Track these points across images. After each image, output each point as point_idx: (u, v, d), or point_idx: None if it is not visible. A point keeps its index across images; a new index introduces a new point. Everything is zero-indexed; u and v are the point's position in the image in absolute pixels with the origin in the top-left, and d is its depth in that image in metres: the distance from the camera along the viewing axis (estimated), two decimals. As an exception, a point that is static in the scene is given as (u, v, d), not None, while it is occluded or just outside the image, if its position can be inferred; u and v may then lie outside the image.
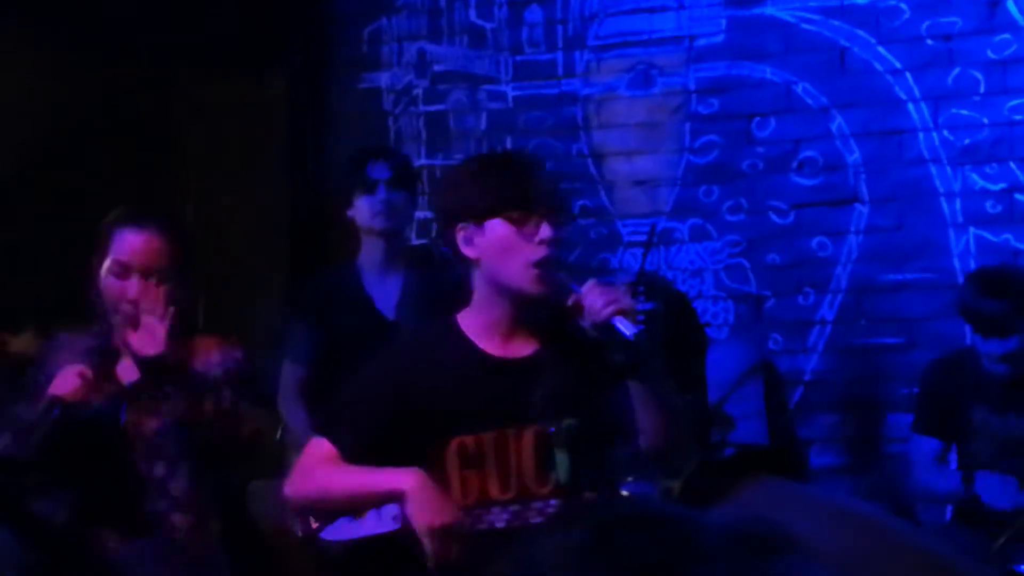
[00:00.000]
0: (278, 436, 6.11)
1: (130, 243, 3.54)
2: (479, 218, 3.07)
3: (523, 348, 3.13)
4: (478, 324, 3.15)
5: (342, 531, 4.29)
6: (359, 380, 3.29)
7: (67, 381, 3.47)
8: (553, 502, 3.04)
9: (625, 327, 3.00)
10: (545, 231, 3.06)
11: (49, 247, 5.58)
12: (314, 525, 4.36)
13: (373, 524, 4.28)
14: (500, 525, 3.07)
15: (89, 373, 3.49)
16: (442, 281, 4.76)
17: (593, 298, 3.04)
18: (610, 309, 3.01)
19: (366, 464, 3.17)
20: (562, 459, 3.03)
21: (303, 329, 4.56)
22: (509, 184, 3.11)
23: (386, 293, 4.47)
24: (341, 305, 4.40)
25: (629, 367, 3.06)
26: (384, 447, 3.15)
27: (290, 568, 4.44)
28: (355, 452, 3.18)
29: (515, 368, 3.09)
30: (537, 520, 3.06)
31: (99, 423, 3.57)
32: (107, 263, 3.54)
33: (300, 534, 4.39)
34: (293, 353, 4.59)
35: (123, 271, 3.53)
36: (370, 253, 4.54)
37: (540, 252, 3.06)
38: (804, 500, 2.17)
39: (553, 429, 3.03)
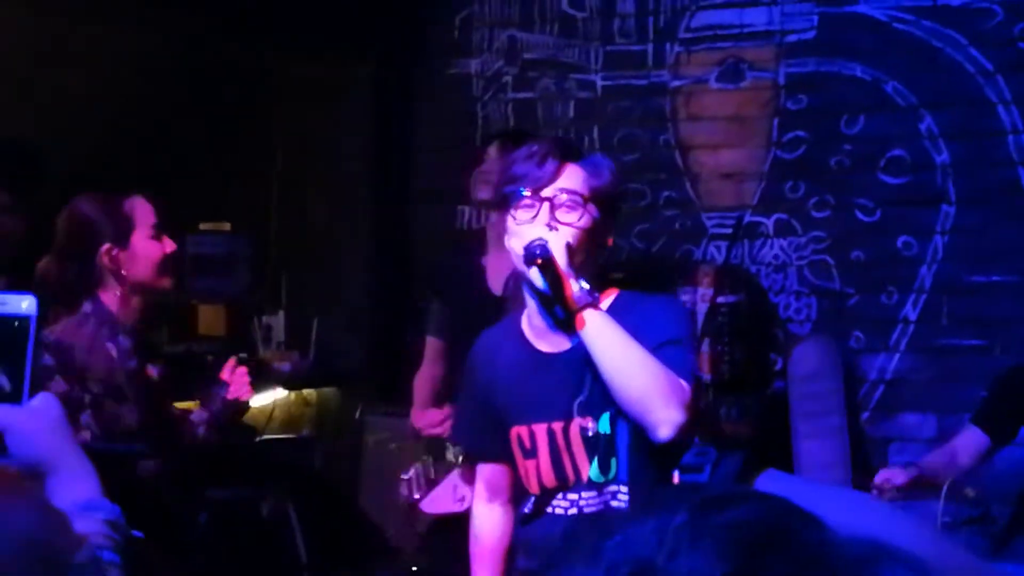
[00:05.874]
0: (357, 415, 6.18)
1: (147, 208, 3.83)
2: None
3: (571, 340, 3.04)
4: (529, 318, 3.13)
5: (435, 505, 4.56)
6: (461, 384, 3.37)
7: (243, 384, 3.91)
8: (617, 489, 3.00)
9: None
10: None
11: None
12: (416, 496, 4.59)
13: (447, 504, 4.50)
14: (574, 512, 3.03)
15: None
16: None
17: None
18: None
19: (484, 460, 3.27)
20: (609, 451, 3.00)
21: (436, 304, 4.77)
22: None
23: (500, 267, 4.46)
24: (461, 278, 4.53)
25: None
26: (490, 441, 3.20)
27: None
28: (472, 452, 3.39)
29: (563, 361, 3.04)
30: (598, 509, 3.00)
31: None
32: (143, 231, 3.78)
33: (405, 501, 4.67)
34: (430, 326, 4.81)
35: (156, 233, 3.81)
36: (493, 226, 4.56)
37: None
38: (819, 490, 2.24)
39: (597, 422, 3.00)
